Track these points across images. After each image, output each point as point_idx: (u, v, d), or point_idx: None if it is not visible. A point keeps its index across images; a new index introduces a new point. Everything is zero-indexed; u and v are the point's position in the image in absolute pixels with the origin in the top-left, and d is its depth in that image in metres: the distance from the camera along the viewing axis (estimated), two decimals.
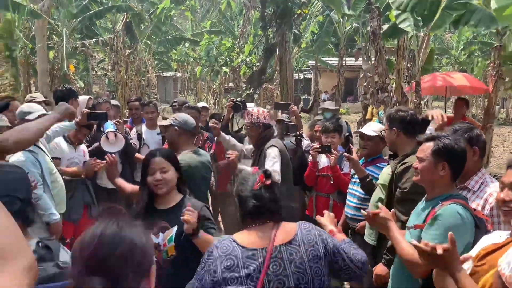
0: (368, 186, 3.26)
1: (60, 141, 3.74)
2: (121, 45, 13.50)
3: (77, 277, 0.97)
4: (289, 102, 5.52)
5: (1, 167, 1.53)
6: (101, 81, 19.81)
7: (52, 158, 3.40)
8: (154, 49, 17.59)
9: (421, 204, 2.12)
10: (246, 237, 1.69)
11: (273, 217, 1.73)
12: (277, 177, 3.18)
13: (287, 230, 1.71)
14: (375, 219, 2.04)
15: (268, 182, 1.75)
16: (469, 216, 1.85)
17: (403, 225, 2.28)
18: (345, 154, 3.55)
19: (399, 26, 6.70)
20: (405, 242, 1.95)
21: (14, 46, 9.04)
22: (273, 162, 3.42)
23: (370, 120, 8.47)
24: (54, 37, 13.08)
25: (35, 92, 12.68)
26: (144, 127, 4.70)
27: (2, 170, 1.49)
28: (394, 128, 2.80)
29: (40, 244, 1.40)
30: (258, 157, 3.61)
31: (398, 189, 2.58)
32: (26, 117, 3.15)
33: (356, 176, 3.48)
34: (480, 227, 1.87)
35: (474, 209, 1.95)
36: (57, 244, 1.45)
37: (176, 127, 2.98)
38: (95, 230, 1.04)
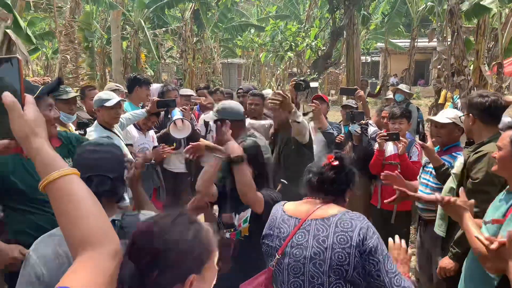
0: (443, 176, 3.05)
1: (131, 128, 3.92)
2: (189, 33, 13.89)
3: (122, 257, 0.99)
4: (355, 87, 5.33)
5: (95, 146, 1.63)
6: (169, 69, 20.61)
7: (126, 144, 3.57)
8: (220, 36, 17.90)
9: (501, 196, 1.96)
10: (293, 206, 1.87)
11: (326, 196, 1.81)
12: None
13: (329, 209, 1.77)
14: (451, 206, 1.93)
15: (335, 163, 1.80)
16: None
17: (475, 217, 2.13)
18: (419, 141, 3.35)
19: (481, 3, 6.13)
20: (481, 234, 1.81)
21: (92, 37, 9.70)
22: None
23: (443, 105, 7.94)
24: (128, 27, 13.83)
25: (109, 81, 13.57)
26: (211, 114, 4.76)
27: (95, 150, 1.60)
28: (471, 114, 2.60)
29: (116, 222, 1.48)
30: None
31: (469, 179, 2.42)
32: (104, 104, 3.30)
33: (429, 166, 3.29)
34: None
35: None
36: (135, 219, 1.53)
37: None
38: (151, 221, 1.05)
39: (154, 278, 0.96)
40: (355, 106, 4.57)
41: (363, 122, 4.09)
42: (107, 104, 3.27)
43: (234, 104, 3.11)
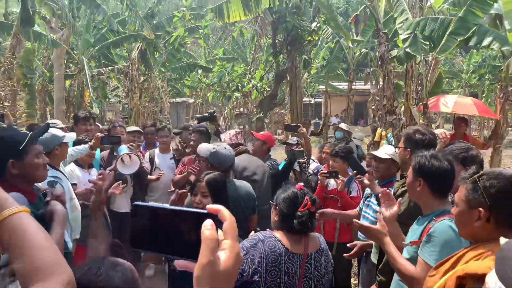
0: None
1: (73, 167, 3.78)
2: (136, 72, 13.87)
3: None
4: (298, 124, 5.63)
5: None
6: (115, 108, 20.25)
7: (71, 184, 3.44)
8: (168, 75, 18.01)
9: (416, 221, 2.16)
10: (287, 240, 2.06)
11: (306, 233, 2.12)
12: None
13: (314, 240, 2.14)
14: (370, 232, 2.16)
15: (313, 209, 2.08)
16: None
17: None
18: (356, 177, 3.58)
19: (407, 50, 6.82)
20: (401, 257, 1.99)
21: (32, 75, 9.40)
22: None
23: (378, 142, 8.50)
24: (71, 65, 13.55)
25: (49, 119, 13.03)
26: (156, 151, 4.81)
27: None
28: (409, 148, 2.75)
29: None
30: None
31: None
32: (63, 141, 3.11)
33: (369, 199, 3.50)
34: None
35: None
36: None
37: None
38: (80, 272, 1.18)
39: None
40: (296, 143, 4.80)
41: (302, 160, 4.30)
42: (66, 140, 3.12)
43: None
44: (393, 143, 6.14)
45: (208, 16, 13.16)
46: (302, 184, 2.23)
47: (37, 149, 2.11)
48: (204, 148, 3.17)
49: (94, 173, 4.04)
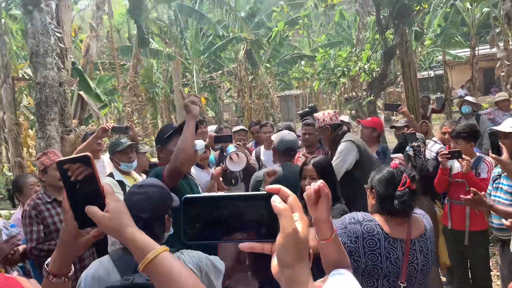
0: None
1: (194, 168, 4.03)
2: (244, 72, 14.44)
3: None
4: (398, 103, 5.21)
5: (136, 188, 1.77)
6: (229, 108, 21.38)
7: None
8: (274, 71, 18.34)
9: None
10: (387, 225, 1.93)
11: (408, 214, 1.96)
12: (338, 175, 3.22)
13: (418, 224, 1.98)
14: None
15: (414, 186, 1.92)
16: None
17: None
18: (492, 155, 3.12)
19: None
20: None
21: (153, 89, 10.47)
22: (336, 157, 3.42)
23: None
24: (187, 74, 14.72)
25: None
26: (262, 149, 4.90)
27: (134, 192, 1.74)
28: None
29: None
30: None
31: None
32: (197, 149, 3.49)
33: (497, 181, 3.06)
34: None
35: None
36: None
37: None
38: None
39: None
40: (404, 125, 4.42)
41: (415, 144, 3.92)
42: (197, 147, 3.38)
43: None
44: None
45: (307, 4, 12.97)
46: (397, 162, 2.06)
47: (175, 141, 2.53)
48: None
49: (212, 172, 4.28)
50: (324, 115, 3.74)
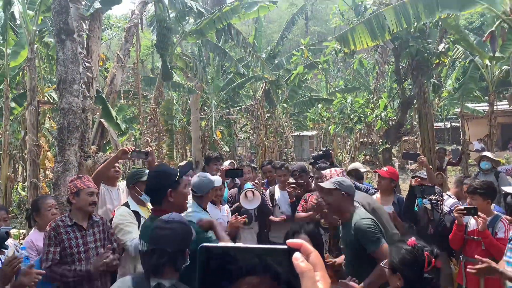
0: None
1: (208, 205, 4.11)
2: (261, 110, 14.64)
3: None
4: (417, 152, 5.20)
5: (163, 223, 1.90)
6: (244, 144, 21.52)
7: None
8: (290, 110, 18.55)
9: None
10: None
11: None
12: None
13: None
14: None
15: (439, 265, 1.88)
16: None
17: None
18: (505, 216, 3.07)
19: None
20: None
21: (171, 121, 10.71)
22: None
23: None
24: (206, 108, 15.00)
25: (189, 157, 14.48)
26: (276, 188, 4.92)
27: (161, 227, 1.87)
28: None
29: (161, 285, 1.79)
30: None
31: None
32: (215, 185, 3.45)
33: None
34: None
35: None
36: None
37: (343, 192, 2.97)
38: None
39: None
40: (424, 176, 4.39)
41: (433, 197, 3.88)
42: (216, 184, 3.34)
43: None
44: None
45: (327, 50, 13.29)
46: (414, 238, 1.97)
47: (185, 181, 2.53)
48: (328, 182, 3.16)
49: (226, 209, 4.25)
50: (331, 172, 3.75)
